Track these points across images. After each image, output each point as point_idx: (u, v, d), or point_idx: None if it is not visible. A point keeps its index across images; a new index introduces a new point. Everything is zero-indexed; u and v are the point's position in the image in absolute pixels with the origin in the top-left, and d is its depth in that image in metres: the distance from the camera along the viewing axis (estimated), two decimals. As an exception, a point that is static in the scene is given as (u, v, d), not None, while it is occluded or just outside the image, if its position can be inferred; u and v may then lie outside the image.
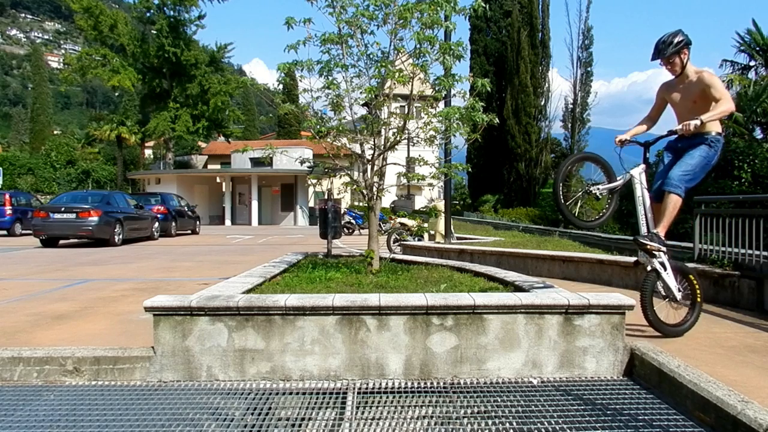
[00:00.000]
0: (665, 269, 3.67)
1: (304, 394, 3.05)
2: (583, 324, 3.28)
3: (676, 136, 3.77)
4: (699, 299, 3.78)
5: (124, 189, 37.01)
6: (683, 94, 3.85)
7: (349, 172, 5.45)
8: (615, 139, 3.92)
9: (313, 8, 4.75)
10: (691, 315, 3.75)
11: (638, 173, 3.77)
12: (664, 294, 3.73)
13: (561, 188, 3.60)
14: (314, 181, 6.39)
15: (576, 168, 4.00)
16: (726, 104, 3.58)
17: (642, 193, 3.76)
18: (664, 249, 3.64)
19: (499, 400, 2.91)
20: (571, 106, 34.89)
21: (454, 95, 5.62)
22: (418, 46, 4.66)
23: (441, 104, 6.31)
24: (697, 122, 3.50)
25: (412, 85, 4.88)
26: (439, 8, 4.52)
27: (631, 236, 10.09)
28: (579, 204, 3.84)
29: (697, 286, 3.79)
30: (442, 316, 3.23)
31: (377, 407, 2.87)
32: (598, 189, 3.65)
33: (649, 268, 3.67)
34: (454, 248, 8.83)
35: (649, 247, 3.62)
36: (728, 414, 2.29)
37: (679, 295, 3.72)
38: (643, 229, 3.74)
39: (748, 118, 15.18)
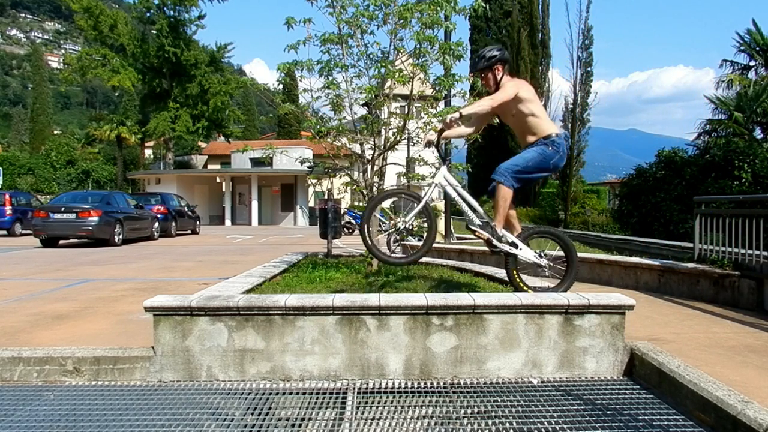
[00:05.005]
0: (517, 248, 3.63)
1: (304, 394, 3.05)
2: (583, 324, 3.28)
3: None
4: (572, 252, 3.72)
5: (124, 189, 37.00)
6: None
7: (349, 172, 5.45)
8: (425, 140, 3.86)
9: (313, 8, 4.77)
10: (569, 272, 3.72)
11: (442, 177, 3.65)
12: (532, 266, 3.70)
13: (368, 229, 3.53)
14: (314, 181, 6.39)
15: (386, 204, 3.92)
16: (486, 100, 3.50)
17: (457, 191, 3.66)
18: (498, 247, 3.59)
19: (499, 400, 2.91)
20: (571, 106, 34.78)
21: (454, 95, 5.63)
22: (418, 46, 4.67)
23: (441, 104, 6.31)
24: (456, 115, 3.44)
25: (412, 85, 4.88)
26: (439, 8, 4.53)
27: (631, 236, 10.07)
28: (394, 240, 3.69)
29: (563, 241, 3.72)
30: (442, 316, 3.23)
31: (377, 407, 2.87)
32: (404, 222, 3.57)
33: (502, 254, 3.65)
34: (454, 248, 8.82)
35: (477, 234, 3.59)
36: (728, 414, 2.29)
37: (542, 261, 3.68)
38: (477, 222, 3.67)
39: (748, 118, 15.16)
